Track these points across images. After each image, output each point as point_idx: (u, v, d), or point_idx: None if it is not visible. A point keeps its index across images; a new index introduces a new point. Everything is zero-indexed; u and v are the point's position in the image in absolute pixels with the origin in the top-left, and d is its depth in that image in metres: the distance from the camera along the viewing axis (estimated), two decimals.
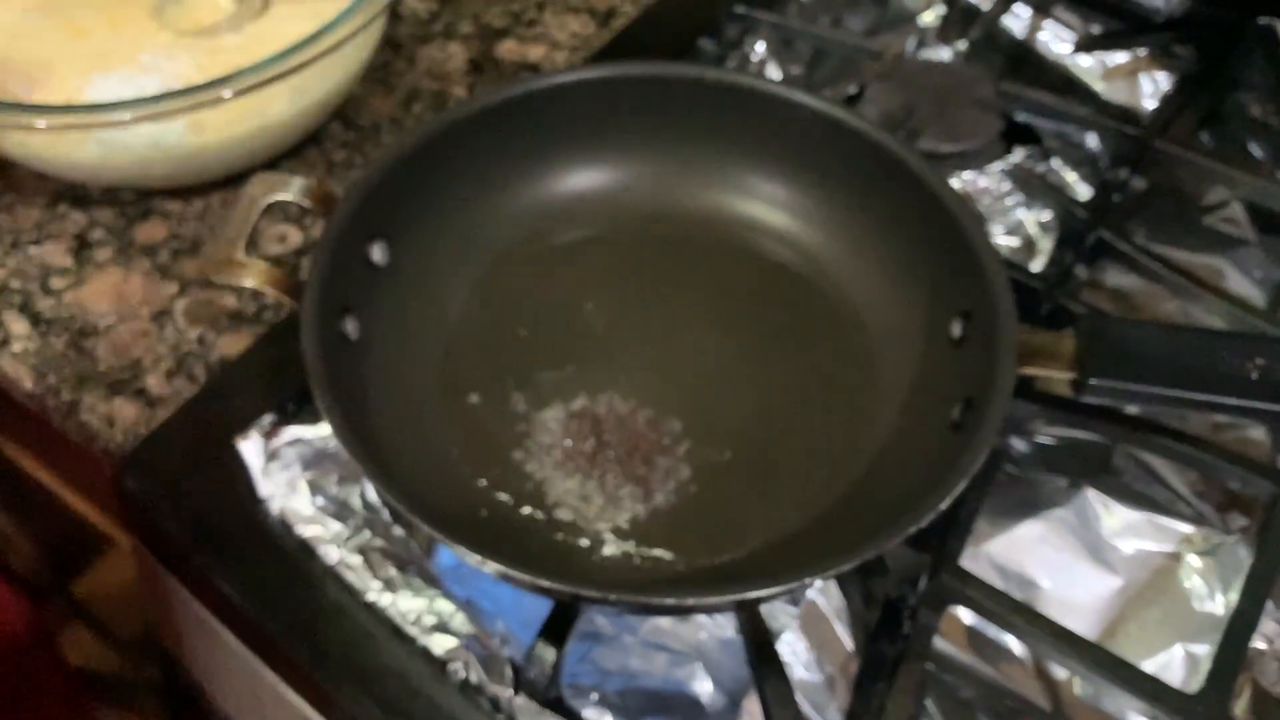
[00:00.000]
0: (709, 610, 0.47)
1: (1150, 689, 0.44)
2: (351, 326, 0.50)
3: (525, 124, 0.57)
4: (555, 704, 0.46)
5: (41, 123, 0.55)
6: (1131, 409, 0.57)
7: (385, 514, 0.52)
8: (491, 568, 0.42)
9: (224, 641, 0.53)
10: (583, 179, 0.59)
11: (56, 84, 0.61)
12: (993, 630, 0.52)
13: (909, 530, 0.41)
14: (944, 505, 0.42)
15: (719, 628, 0.51)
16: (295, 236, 0.63)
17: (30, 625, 0.84)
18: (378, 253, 0.53)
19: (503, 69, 0.73)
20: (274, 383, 0.55)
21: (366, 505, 0.52)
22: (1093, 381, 0.46)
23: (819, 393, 0.54)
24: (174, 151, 0.58)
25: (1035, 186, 0.66)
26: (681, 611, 0.47)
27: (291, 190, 0.51)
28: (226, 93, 0.55)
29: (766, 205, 0.59)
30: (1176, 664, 0.50)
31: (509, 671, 0.47)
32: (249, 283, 0.48)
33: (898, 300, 0.55)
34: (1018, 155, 0.69)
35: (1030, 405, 0.54)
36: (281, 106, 0.59)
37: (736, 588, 0.41)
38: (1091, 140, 0.73)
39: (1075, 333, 0.48)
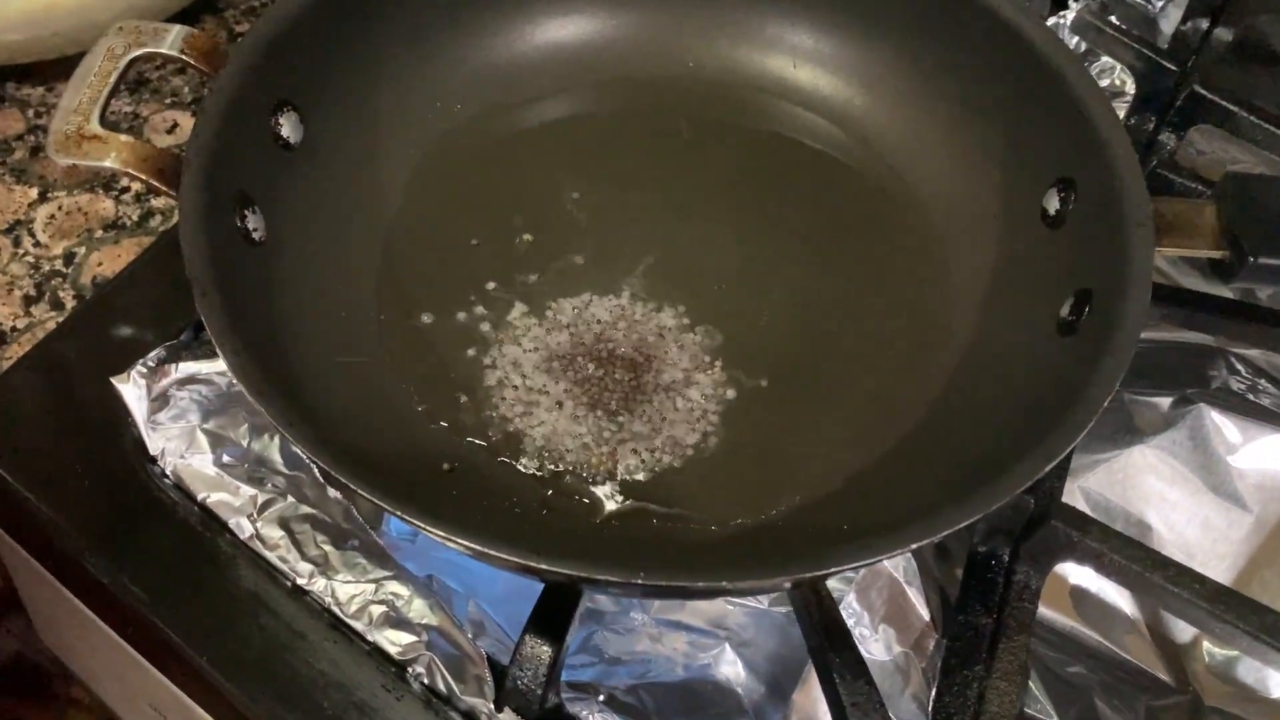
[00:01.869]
0: (761, 591, 0.36)
1: None
2: (255, 223, 0.37)
3: None
4: (553, 715, 0.35)
5: None
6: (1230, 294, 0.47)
7: (315, 471, 0.40)
8: (461, 546, 0.29)
9: (109, 644, 0.41)
10: (557, 30, 0.47)
11: None
12: (1099, 587, 0.41)
13: (1044, 468, 0.30)
14: (1081, 436, 0.31)
15: (752, 600, 0.40)
16: (189, 125, 0.50)
17: None
18: (288, 127, 0.40)
19: None
20: (165, 308, 0.43)
21: (289, 460, 0.40)
22: (1258, 260, 0.35)
23: (873, 297, 0.42)
24: (13, 8, 0.45)
25: (1105, 41, 0.55)
26: (723, 594, 0.35)
27: (167, 40, 0.38)
28: None
29: (791, 60, 0.47)
30: None
31: (487, 675, 0.35)
32: (107, 163, 0.35)
33: (969, 171, 0.43)
34: (1075, 7, 0.57)
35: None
36: None
37: (805, 563, 0.29)
38: None
39: (1217, 200, 0.37)
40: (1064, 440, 0.31)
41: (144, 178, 0.35)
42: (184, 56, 0.38)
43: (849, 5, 0.45)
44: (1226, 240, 0.36)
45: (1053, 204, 0.40)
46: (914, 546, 0.30)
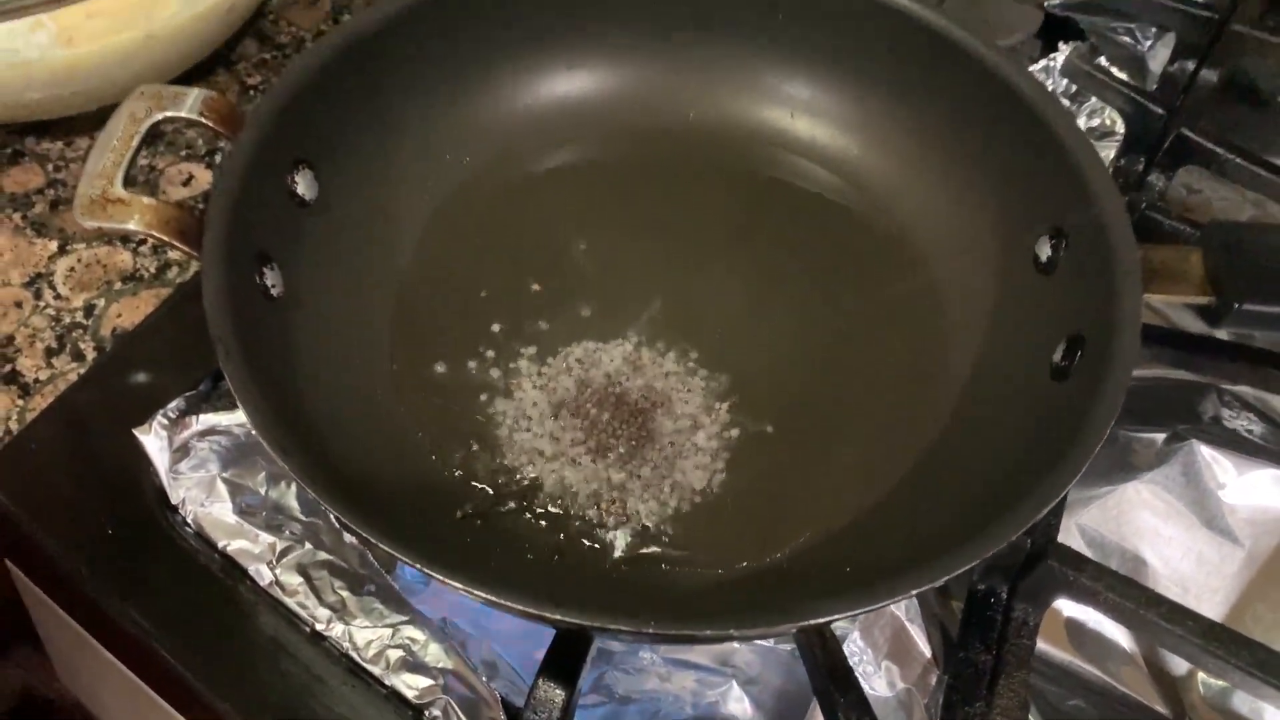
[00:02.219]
0: (774, 636, 0.37)
1: None
2: (272, 279, 0.39)
3: (488, 17, 0.45)
4: None
5: None
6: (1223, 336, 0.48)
7: (332, 519, 0.41)
8: (476, 596, 0.31)
9: (131, 688, 0.42)
10: (561, 86, 0.48)
11: None
12: (1096, 620, 0.42)
13: (1040, 512, 0.31)
14: (1076, 478, 0.32)
15: (760, 639, 0.41)
16: (204, 177, 0.51)
17: None
18: (303, 184, 0.41)
19: None
20: (183, 360, 0.44)
21: (306, 507, 0.41)
22: (1241, 306, 0.36)
23: (873, 340, 0.43)
24: (39, 68, 0.46)
25: (1093, 84, 0.56)
26: (731, 640, 0.36)
27: (186, 104, 0.39)
28: None
29: (788, 111, 0.48)
30: None
31: (502, 717, 0.36)
32: (132, 225, 0.36)
33: (962, 220, 0.44)
34: (1064, 51, 0.59)
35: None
36: (173, 9, 0.47)
37: (809, 610, 0.30)
38: (1134, 37, 0.63)
39: (1203, 246, 0.38)
40: (1057, 487, 0.32)
41: (166, 239, 0.37)
42: (202, 119, 0.40)
43: (843, 57, 0.47)
44: (1212, 286, 0.37)
45: (1045, 251, 0.41)
46: (914, 593, 0.31)
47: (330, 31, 0.42)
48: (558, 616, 0.29)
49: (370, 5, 0.44)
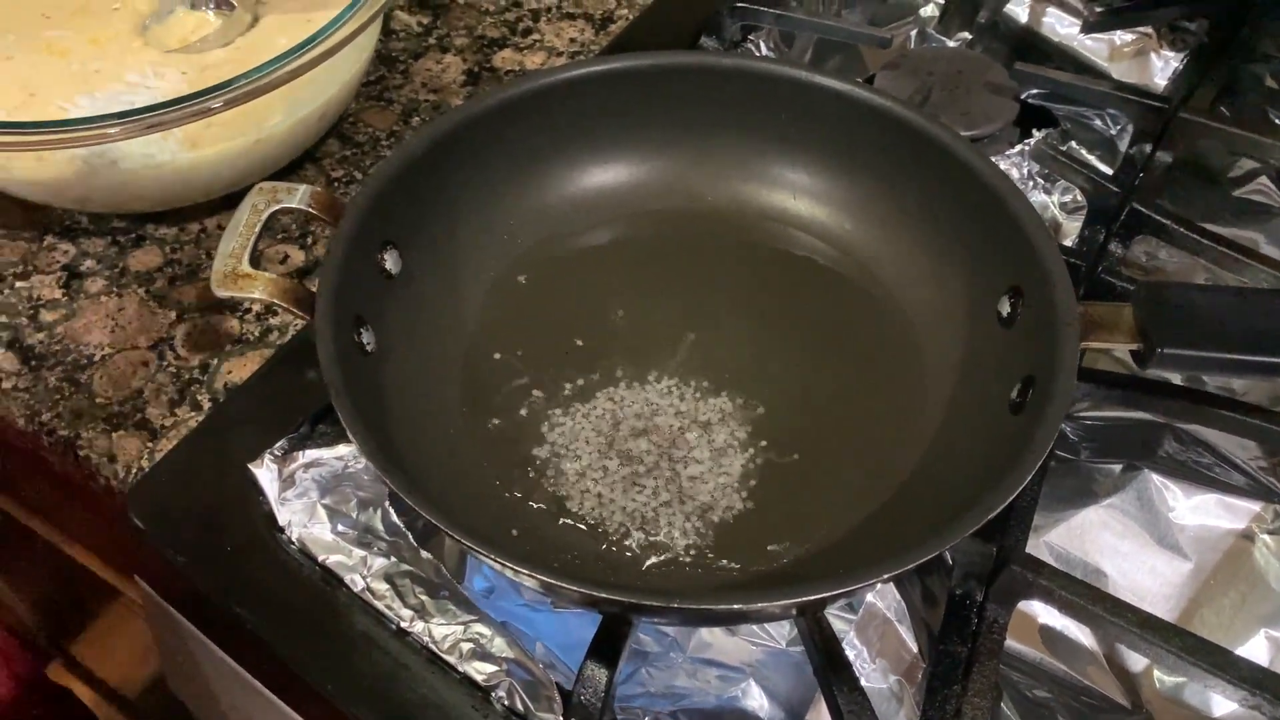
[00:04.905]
0: (773, 617, 0.44)
1: (1250, 675, 0.41)
2: (367, 338, 0.47)
3: (536, 122, 0.54)
4: None
5: (21, 140, 0.52)
6: (1177, 380, 0.55)
7: (410, 537, 0.49)
8: (535, 581, 0.38)
9: (244, 685, 0.50)
10: (599, 176, 0.57)
11: (37, 107, 0.58)
12: (1062, 625, 0.49)
13: (986, 516, 0.38)
14: (1019, 489, 0.39)
15: (770, 640, 0.48)
16: (298, 256, 0.60)
17: (18, 691, 0.80)
18: (390, 260, 0.50)
19: (500, 79, 0.71)
20: (284, 406, 0.52)
21: (389, 528, 0.49)
22: (1162, 350, 0.43)
23: (865, 383, 0.51)
24: (167, 169, 0.56)
25: (1058, 166, 0.64)
26: (746, 620, 0.43)
27: (296, 198, 0.49)
28: (217, 103, 0.52)
29: (791, 194, 0.57)
30: (1260, 649, 0.48)
31: (556, 696, 0.44)
32: (257, 295, 0.45)
33: (938, 282, 0.52)
34: (1036, 137, 0.67)
35: (1079, 385, 0.51)
36: (277, 119, 0.57)
37: (804, 590, 0.37)
38: (1105, 121, 0.71)
39: (1133, 302, 0.46)
40: (1004, 495, 0.39)
41: (285, 306, 0.46)
42: (309, 209, 0.49)
43: (836, 149, 0.55)
44: (1140, 335, 0.45)
45: (1005, 308, 0.49)
46: (887, 577, 0.38)
47: (410, 136, 0.51)
48: (605, 595, 0.37)
49: (440, 114, 0.53)
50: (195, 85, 0.58)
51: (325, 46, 0.53)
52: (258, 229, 0.47)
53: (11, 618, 1.02)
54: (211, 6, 0.63)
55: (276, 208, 0.48)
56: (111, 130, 0.51)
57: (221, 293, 0.46)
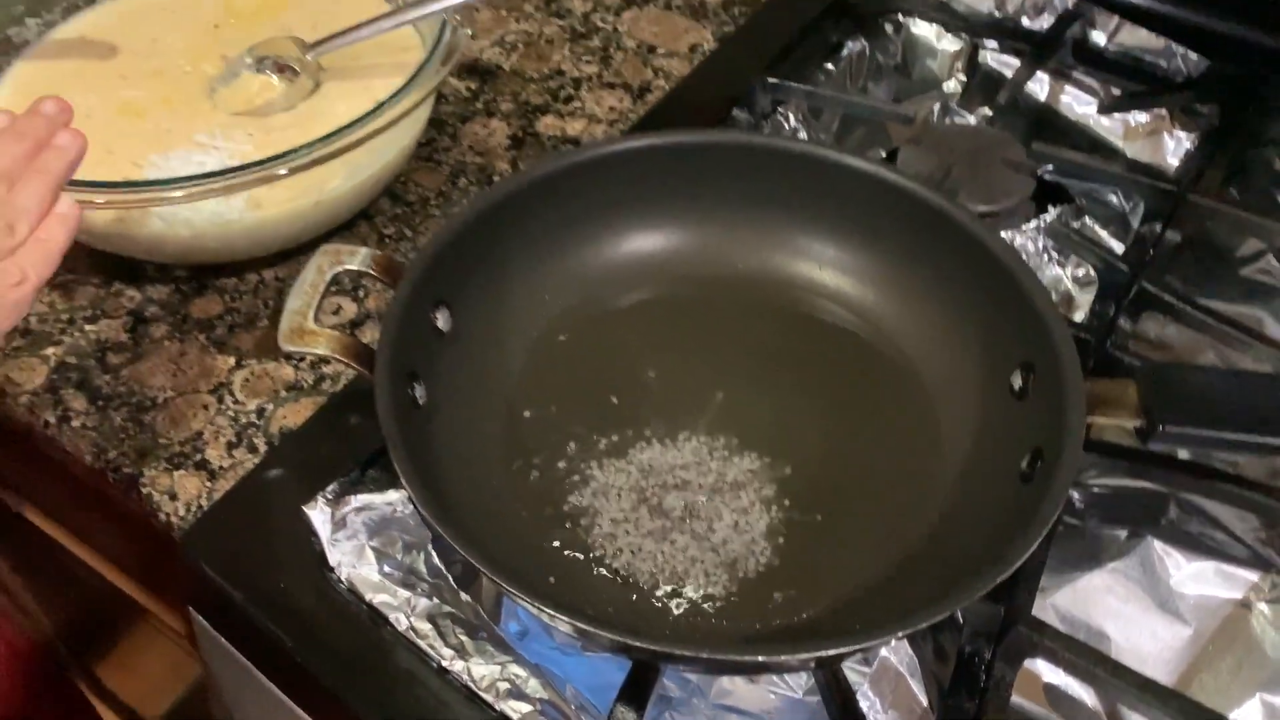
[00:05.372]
0: (793, 669, 0.47)
1: None
2: (420, 392, 0.51)
3: (580, 192, 0.58)
4: None
5: (102, 199, 0.56)
6: (1184, 454, 0.58)
7: (451, 579, 0.52)
8: (571, 627, 0.41)
9: (289, 716, 0.53)
10: (638, 243, 0.60)
11: (114, 164, 0.62)
12: (1066, 683, 0.51)
13: (995, 580, 0.41)
14: (1026, 556, 0.42)
15: (788, 689, 0.51)
16: (350, 308, 0.64)
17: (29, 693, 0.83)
18: (442, 319, 0.54)
19: (544, 143, 0.75)
20: (336, 451, 0.56)
21: (431, 571, 0.52)
22: (1164, 428, 0.46)
23: (884, 446, 0.54)
24: (233, 227, 0.59)
25: (1071, 243, 0.67)
26: (767, 670, 0.46)
27: (358, 260, 0.52)
28: (283, 169, 0.56)
29: (817, 264, 0.60)
30: (1256, 714, 0.50)
31: None
32: (320, 350, 0.49)
33: (954, 355, 0.55)
34: (1051, 214, 0.70)
35: (1086, 455, 0.54)
36: (337, 182, 0.61)
37: (823, 645, 0.40)
38: (1119, 198, 0.74)
39: (1137, 380, 0.49)
40: (1011, 561, 0.42)
41: (346, 361, 0.49)
42: (369, 271, 0.53)
43: (860, 225, 0.59)
44: (1143, 413, 0.48)
45: (1017, 382, 0.52)
46: (901, 634, 0.41)
47: (464, 204, 0.55)
48: (636, 644, 0.40)
49: (492, 184, 0.57)
50: (261, 147, 0.62)
51: (387, 119, 0.57)
52: (322, 288, 0.51)
53: (36, 634, 1.06)
54: (275, 72, 0.68)
55: (340, 269, 0.52)
56: (177, 194, 0.55)
57: (288, 348, 0.49)
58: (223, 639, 0.55)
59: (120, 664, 1.13)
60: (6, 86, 0.68)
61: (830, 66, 0.81)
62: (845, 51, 0.82)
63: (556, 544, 0.50)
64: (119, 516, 0.60)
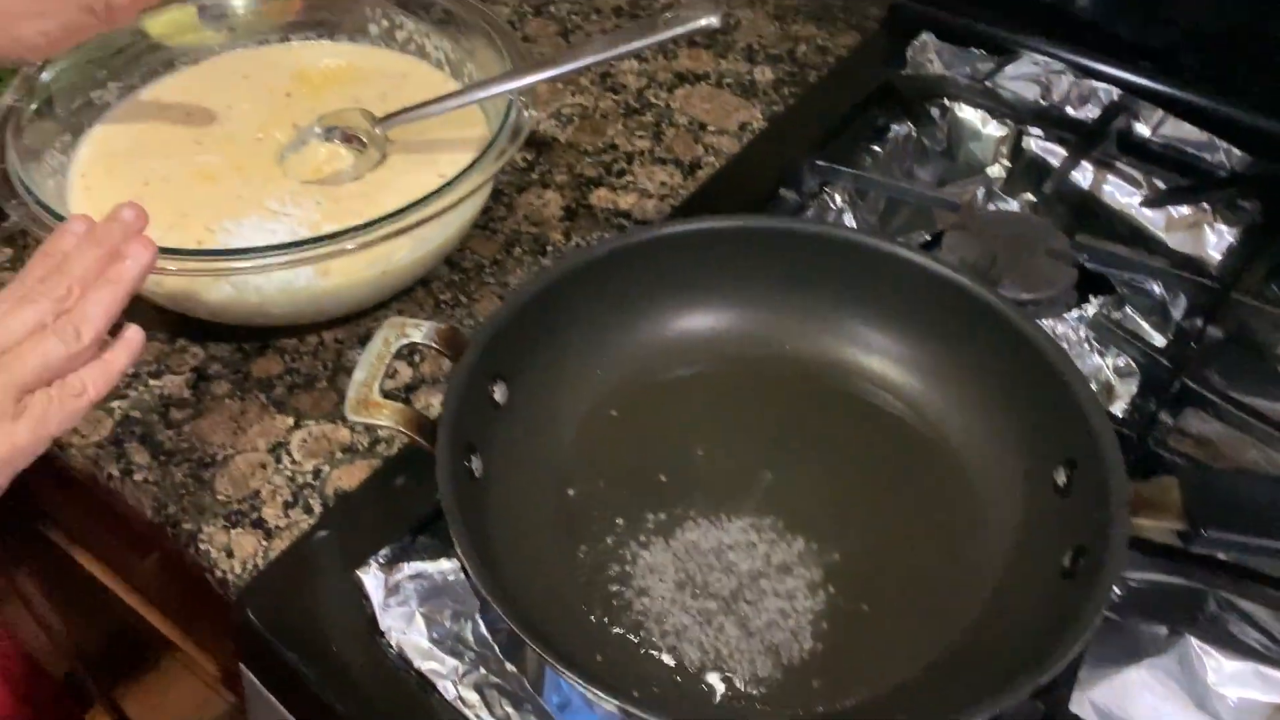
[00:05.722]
0: None
1: None
2: (476, 465, 0.52)
3: (636, 271, 0.60)
4: None
5: (174, 266, 0.58)
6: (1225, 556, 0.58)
7: (498, 649, 0.53)
8: (615, 706, 0.42)
9: None
10: (689, 322, 0.62)
11: (188, 228, 0.65)
12: None
13: (1037, 684, 0.42)
14: (1068, 660, 0.43)
15: None
16: (406, 372, 0.66)
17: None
18: (499, 392, 0.55)
19: (596, 215, 0.77)
20: (389, 516, 0.57)
21: (479, 640, 0.53)
22: (1206, 533, 0.47)
23: (927, 537, 0.55)
24: (301, 294, 0.62)
25: (1111, 334, 0.68)
26: None
27: (422, 333, 0.54)
28: (351, 244, 0.58)
29: (863, 349, 0.62)
30: None
31: None
32: (385, 422, 0.51)
33: (1000, 446, 0.56)
34: (1092, 304, 0.71)
35: (1129, 552, 0.55)
36: (404, 254, 0.63)
37: None
38: (1160, 288, 0.75)
39: (1180, 483, 0.50)
40: (1055, 662, 0.43)
41: (409, 434, 0.51)
42: (432, 344, 0.54)
43: (906, 311, 0.60)
44: (1186, 516, 0.49)
45: (1061, 478, 0.53)
46: None
47: (524, 282, 0.57)
48: None
49: (553, 263, 0.58)
50: (329, 215, 0.65)
51: (456, 195, 0.59)
52: (387, 361, 0.53)
53: (64, 660, 1.08)
54: (343, 142, 0.70)
55: (405, 342, 0.54)
56: (249, 264, 0.57)
57: (354, 419, 0.51)
58: (272, 697, 0.56)
59: (144, 696, 1.15)
60: (86, 147, 0.71)
61: (877, 148, 0.83)
62: (891, 134, 0.84)
63: (605, 620, 0.51)
64: (169, 564, 0.62)
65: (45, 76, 0.69)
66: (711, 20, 0.61)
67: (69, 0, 0.61)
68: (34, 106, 0.68)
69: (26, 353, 0.46)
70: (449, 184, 0.60)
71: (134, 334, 0.50)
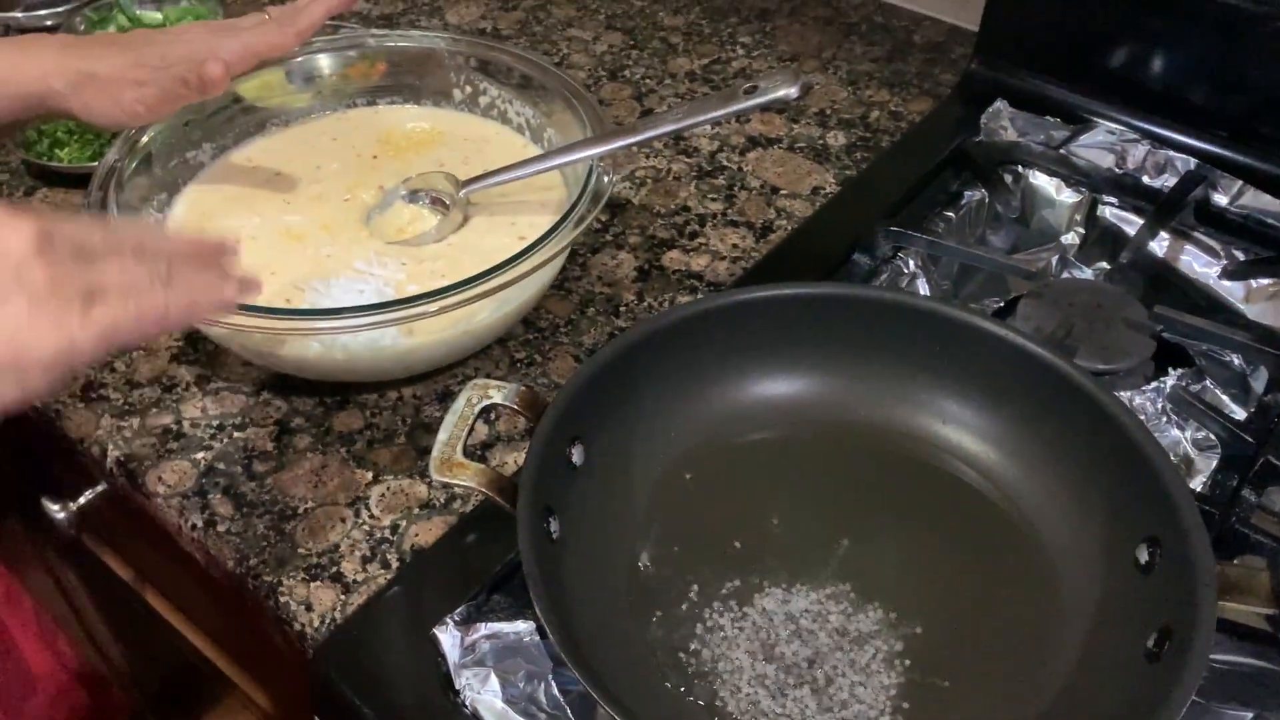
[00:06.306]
0: None
1: None
2: (554, 526, 0.53)
3: (712, 336, 0.60)
4: None
5: (268, 325, 0.60)
6: None
7: (569, 711, 0.53)
8: None
9: None
10: (764, 387, 0.62)
11: (277, 285, 0.67)
12: None
13: None
14: None
15: None
16: (481, 430, 0.67)
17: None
18: (576, 454, 0.56)
19: (668, 277, 0.78)
20: (465, 573, 0.58)
21: (551, 702, 0.54)
22: None
23: (1006, 611, 0.54)
24: (386, 352, 0.63)
25: (1191, 408, 0.68)
26: None
27: (504, 394, 0.55)
28: (433, 306, 0.59)
29: (940, 419, 0.62)
30: None
31: None
32: (468, 483, 0.52)
33: (1077, 521, 0.56)
34: (1171, 377, 0.70)
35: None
36: (485, 315, 0.64)
37: None
38: (1240, 361, 0.74)
39: (1271, 567, 0.49)
40: None
41: (490, 495, 0.52)
42: (514, 406, 0.55)
43: (982, 381, 0.60)
44: (1276, 600, 0.48)
45: (1143, 555, 0.52)
46: None
47: (603, 346, 0.58)
48: None
49: (629, 326, 0.59)
50: (413, 276, 0.66)
51: (539, 259, 0.61)
52: (470, 421, 0.54)
53: (123, 693, 1.09)
54: (427, 204, 0.72)
55: (486, 403, 0.55)
56: (335, 324, 0.59)
57: (438, 478, 0.52)
58: None
59: None
60: (181, 205, 0.73)
61: (949, 214, 0.83)
62: (964, 200, 0.84)
63: (681, 689, 0.51)
64: (242, 611, 0.63)
65: (145, 137, 0.72)
66: (791, 91, 0.62)
67: (167, 71, 0.64)
68: (133, 164, 0.71)
69: (113, 268, 0.42)
70: (531, 248, 0.61)
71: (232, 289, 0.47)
